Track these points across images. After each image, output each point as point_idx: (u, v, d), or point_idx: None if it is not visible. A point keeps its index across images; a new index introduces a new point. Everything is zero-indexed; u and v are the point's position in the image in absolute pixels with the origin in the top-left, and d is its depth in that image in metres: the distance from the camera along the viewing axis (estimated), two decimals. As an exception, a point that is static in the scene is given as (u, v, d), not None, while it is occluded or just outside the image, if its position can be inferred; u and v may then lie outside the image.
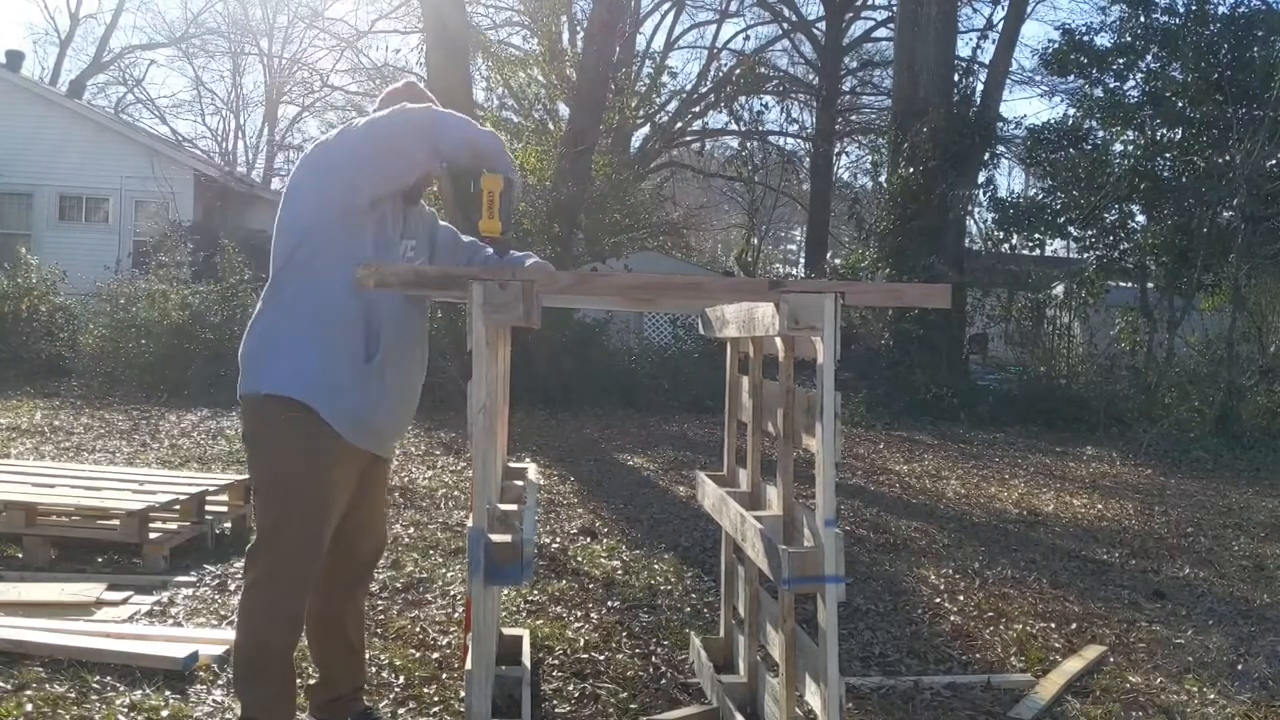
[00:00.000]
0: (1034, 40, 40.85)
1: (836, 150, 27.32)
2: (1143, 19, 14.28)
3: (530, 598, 4.41)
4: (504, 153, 2.68)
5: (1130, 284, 15.10)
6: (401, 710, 3.22)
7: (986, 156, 15.37)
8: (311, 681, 2.99)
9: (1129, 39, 14.59)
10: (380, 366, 2.64)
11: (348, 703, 2.97)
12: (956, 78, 15.70)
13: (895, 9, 17.52)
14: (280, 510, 2.65)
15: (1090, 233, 14.92)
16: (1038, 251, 16.54)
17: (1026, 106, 52.68)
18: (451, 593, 4.43)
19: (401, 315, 2.70)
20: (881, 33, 26.24)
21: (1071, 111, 15.71)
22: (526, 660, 3.51)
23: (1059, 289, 14.91)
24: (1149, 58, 14.59)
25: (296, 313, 2.63)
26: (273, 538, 2.65)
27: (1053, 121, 15.72)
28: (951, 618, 4.56)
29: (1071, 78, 16.47)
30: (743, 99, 25.00)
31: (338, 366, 2.61)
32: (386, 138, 2.59)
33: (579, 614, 4.27)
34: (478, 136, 2.66)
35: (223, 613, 4.02)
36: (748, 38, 27.35)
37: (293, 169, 2.79)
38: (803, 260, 31.40)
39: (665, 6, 27.15)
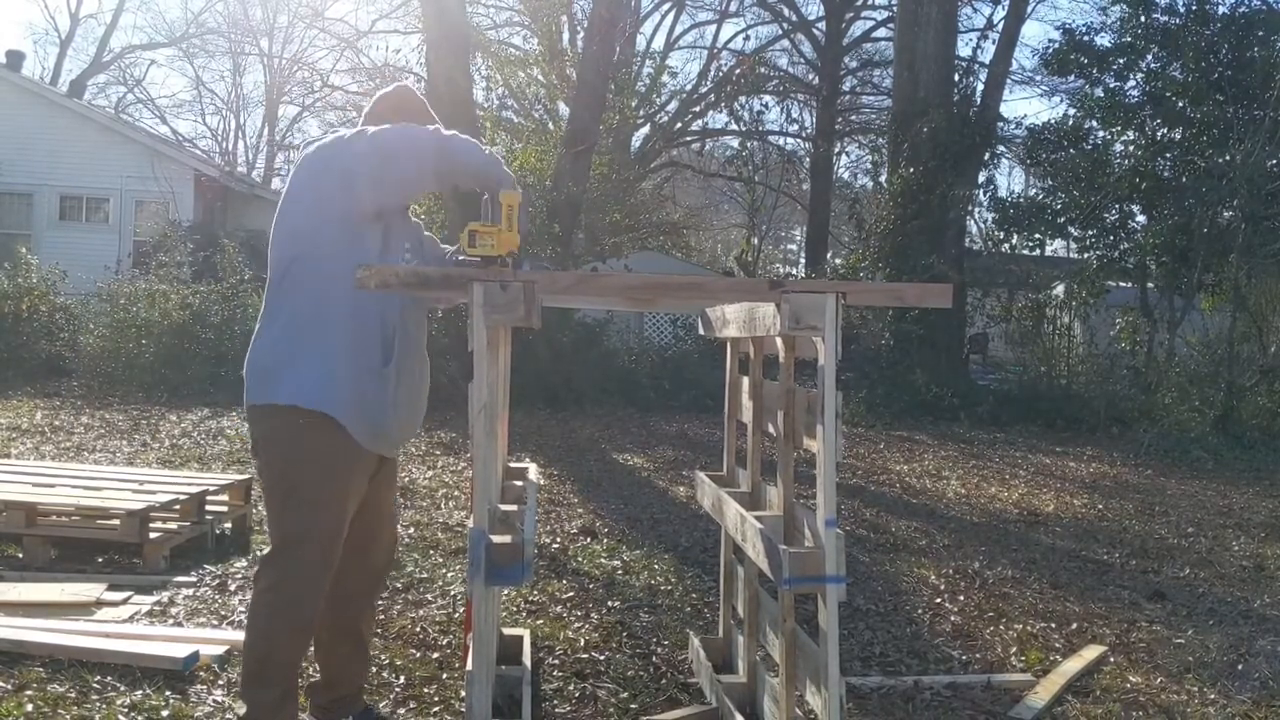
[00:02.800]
0: (1034, 40, 40.96)
1: (836, 150, 27.34)
2: (1143, 19, 14.29)
3: (530, 598, 4.41)
4: (509, 175, 2.70)
5: (1130, 284, 15.10)
6: (402, 710, 3.22)
7: (986, 156, 15.39)
8: (313, 680, 2.99)
9: (1129, 39, 14.59)
10: (395, 372, 2.68)
11: (350, 702, 2.99)
12: (956, 77, 15.71)
13: (895, 9, 17.54)
14: (296, 520, 2.65)
15: (1090, 233, 14.93)
16: (1038, 251, 16.56)
17: (1026, 106, 52.69)
18: (451, 593, 4.44)
19: (408, 321, 2.74)
20: (881, 33, 26.28)
21: (1072, 111, 15.73)
22: (527, 660, 3.51)
23: (1059, 289, 14.91)
24: (1149, 58, 14.60)
25: (309, 322, 2.63)
26: (288, 547, 2.66)
27: (1053, 121, 15.75)
28: (951, 618, 4.56)
29: (1071, 78, 16.49)
30: (743, 99, 25.02)
31: (359, 374, 2.63)
32: (396, 157, 2.60)
33: (579, 614, 4.27)
34: (485, 166, 2.68)
35: (223, 613, 4.03)
36: (748, 38, 27.41)
37: (292, 172, 2.79)
38: (803, 260, 31.42)
39: (665, 6, 27.22)
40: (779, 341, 2.76)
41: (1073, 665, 3.94)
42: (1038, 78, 24.24)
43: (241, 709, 2.75)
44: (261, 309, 2.74)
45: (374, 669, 3.51)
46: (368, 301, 2.59)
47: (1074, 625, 4.53)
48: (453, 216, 11.34)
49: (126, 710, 3.07)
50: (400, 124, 2.71)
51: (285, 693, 2.70)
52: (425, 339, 2.90)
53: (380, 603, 4.26)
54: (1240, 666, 4.09)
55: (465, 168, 2.68)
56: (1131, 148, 14.87)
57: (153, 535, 4.67)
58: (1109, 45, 14.96)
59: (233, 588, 4.37)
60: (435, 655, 3.69)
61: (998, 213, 15.18)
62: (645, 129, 24.40)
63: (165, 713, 3.07)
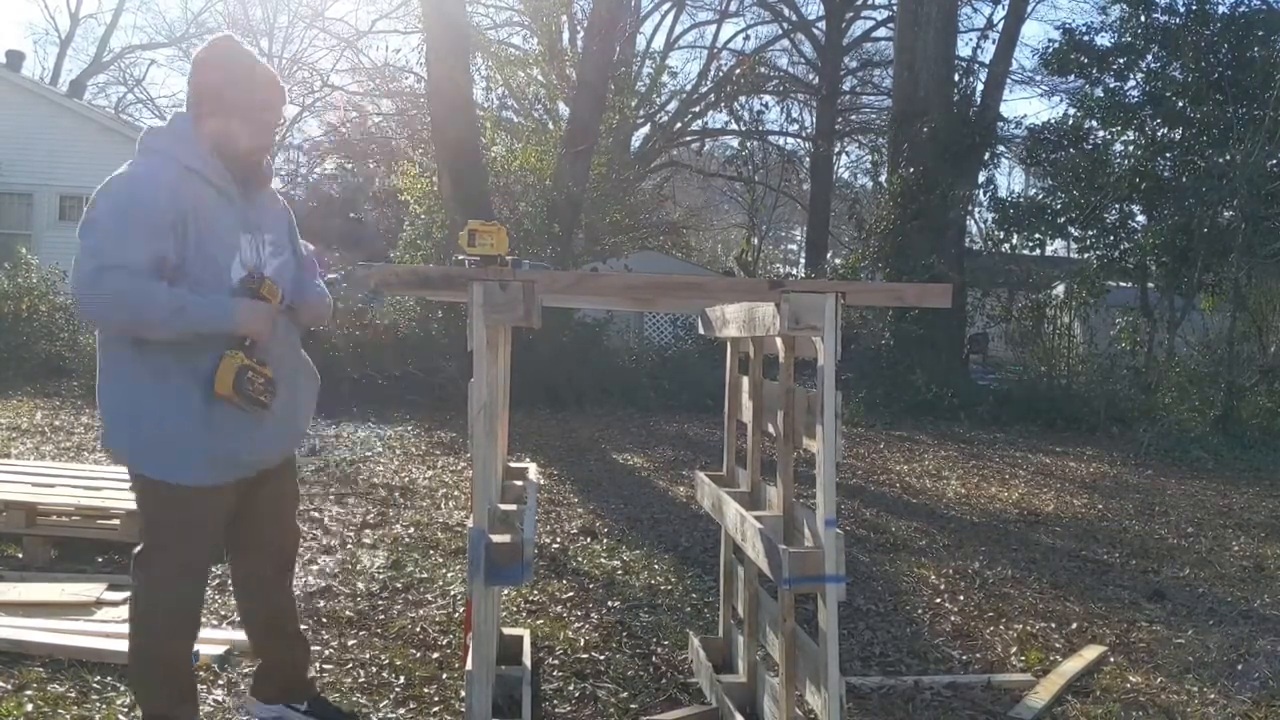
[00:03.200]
0: (1034, 40, 41.00)
1: (836, 150, 27.35)
2: (1143, 19, 14.29)
3: (530, 598, 4.41)
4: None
5: (1130, 284, 15.10)
6: (401, 710, 3.22)
7: (986, 156, 15.39)
8: (256, 672, 3.03)
9: (1129, 39, 14.60)
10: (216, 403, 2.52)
11: (299, 686, 3.00)
12: (957, 77, 15.72)
13: (895, 9, 17.54)
14: (153, 542, 2.62)
15: (1090, 233, 14.93)
16: (1038, 251, 16.56)
17: (1026, 106, 52.76)
18: (451, 593, 4.43)
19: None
20: (881, 32, 26.29)
21: (1071, 111, 15.73)
22: (527, 660, 3.51)
23: (1059, 289, 14.91)
24: (1149, 58, 14.60)
25: (126, 359, 2.55)
26: (149, 558, 2.62)
27: (1053, 121, 15.76)
28: (951, 618, 4.56)
29: (1071, 78, 16.50)
30: (743, 99, 25.02)
31: (172, 418, 2.51)
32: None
33: (579, 614, 4.27)
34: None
35: (223, 613, 4.02)
36: (748, 38, 27.43)
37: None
38: (803, 260, 31.42)
39: (665, 6, 27.22)
40: (779, 341, 2.76)
41: (1073, 665, 3.94)
42: (1038, 78, 24.28)
43: (139, 712, 2.75)
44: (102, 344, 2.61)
45: (374, 669, 3.52)
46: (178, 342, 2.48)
47: (1074, 625, 4.53)
48: (451, 212, 11.35)
49: (126, 710, 3.07)
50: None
51: (181, 693, 2.67)
52: (294, 343, 2.76)
53: (380, 603, 4.27)
54: (1240, 666, 4.08)
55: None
56: (1131, 148, 14.87)
57: (153, 535, 4.66)
58: (1109, 45, 14.96)
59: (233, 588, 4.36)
60: (435, 655, 3.68)
61: (998, 213, 15.18)
62: (645, 129, 24.40)
63: (165, 713, 3.07)
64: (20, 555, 4.65)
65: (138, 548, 2.66)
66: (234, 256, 2.57)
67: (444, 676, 3.48)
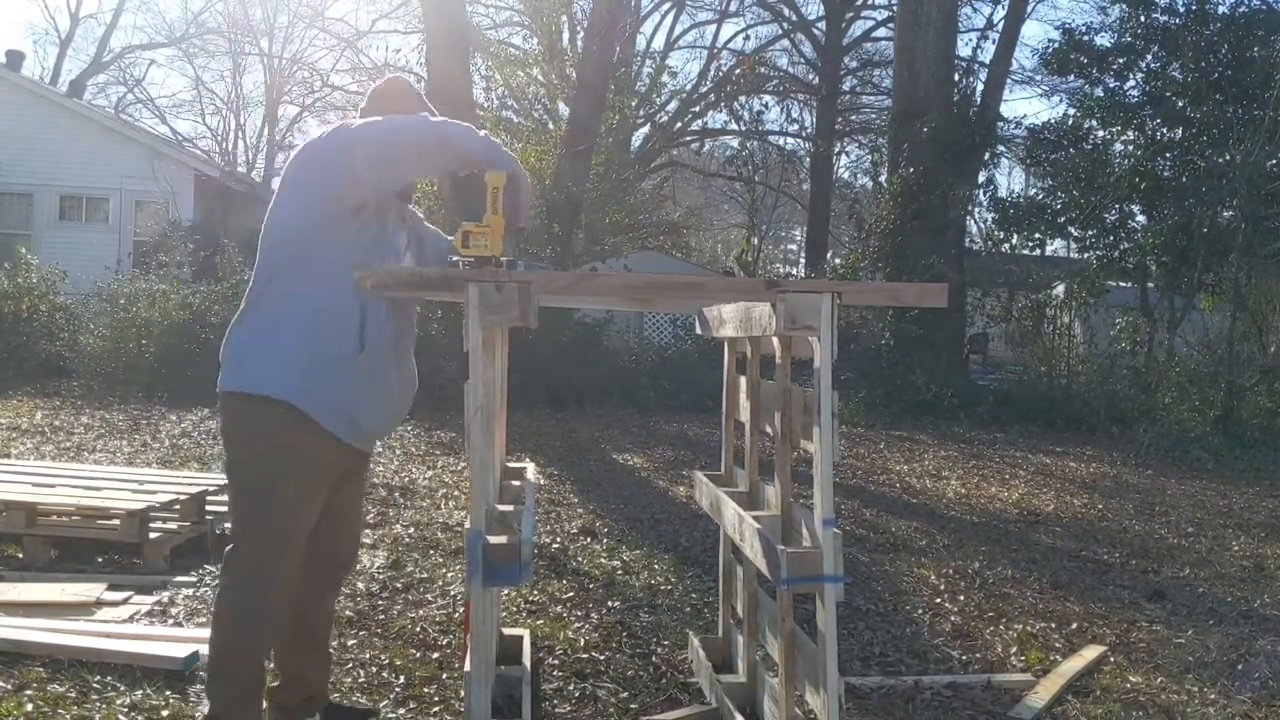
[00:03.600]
0: (1034, 40, 40.97)
1: (836, 150, 27.34)
2: (1143, 19, 14.29)
3: (530, 598, 4.41)
4: (501, 154, 2.64)
5: (1130, 284, 15.10)
6: (401, 710, 3.22)
7: (986, 156, 15.39)
8: (274, 684, 2.91)
9: (1129, 39, 14.60)
10: (368, 361, 2.60)
11: (311, 705, 2.95)
12: (957, 77, 15.72)
13: (895, 9, 17.54)
14: (255, 512, 2.65)
15: (1090, 233, 14.93)
16: (1038, 251, 16.55)
17: (1026, 106, 52.70)
18: (451, 593, 4.44)
19: (389, 313, 2.66)
20: (881, 32, 26.28)
21: (1071, 111, 15.73)
22: (527, 660, 3.51)
23: (1059, 289, 14.91)
24: (1149, 58, 14.60)
25: (286, 311, 2.60)
26: (248, 540, 2.64)
27: (1053, 121, 15.75)
28: (951, 618, 4.56)
29: (1071, 78, 16.49)
30: (743, 99, 25.03)
31: (325, 362, 2.57)
32: (382, 145, 2.56)
33: (579, 614, 4.27)
34: (478, 149, 2.61)
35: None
36: (748, 38, 27.42)
37: (285, 166, 2.78)
38: (803, 260, 31.42)
39: (665, 6, 27.21)
40: (775, 341, 2.76)
41: (1073, 665, 3.94)
42: (1038, 78, 24.27)
43: (205, 707, 2.72)
44: (244, 300, 2.69)
45: (374, 669, 3.52)
46: (344, 290, 2.55)
47: (1074, 625, 4.53)
48: (450, 213, 11.35)
49: (126, 710, 3.07)
50: (395, 118, 2.66)
51: (246, 690, 2.65)
52: (411, 336, 2.84)
53: (380, 603, 4.27)
54: (1240, 666, 4.08)
55: (458, 152, 2.62)
56: (1131, 148, 14.87)
57: (153, 535, 4.67)
58: (1109, 45, 14.96)
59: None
60: (435, 655, 3.69)
61: (998, 213, 15.18)
62: (645, 129, 24.40)
63: (165, 713, 3.07)
64: (20, 555, 4.65)
65: (228, 546, 2.67)
66: (386, 251, 2.72)
67: (444, 676, 3.48)
